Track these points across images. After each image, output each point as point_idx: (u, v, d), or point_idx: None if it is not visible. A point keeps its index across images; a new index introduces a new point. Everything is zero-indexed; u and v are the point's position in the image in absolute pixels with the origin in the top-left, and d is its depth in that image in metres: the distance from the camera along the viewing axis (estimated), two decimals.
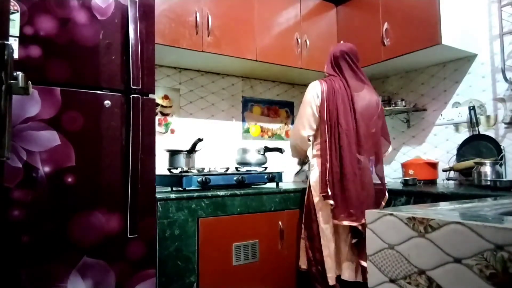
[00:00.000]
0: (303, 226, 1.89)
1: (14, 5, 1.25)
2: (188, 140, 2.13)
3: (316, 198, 1.81)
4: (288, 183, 2.49)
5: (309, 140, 1.90)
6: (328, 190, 1.73)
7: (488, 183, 1.78)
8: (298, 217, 1.99)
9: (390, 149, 2.02)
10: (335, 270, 1.76)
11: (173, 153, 1.99)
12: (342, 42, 2.19)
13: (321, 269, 1.76)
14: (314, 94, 1.86)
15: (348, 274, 1.76)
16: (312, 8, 2.56)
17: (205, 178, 1.83)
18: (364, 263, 1.71)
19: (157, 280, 1.53)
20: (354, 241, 1.75)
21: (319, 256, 1.77)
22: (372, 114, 1.85)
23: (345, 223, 1.70)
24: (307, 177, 2.06)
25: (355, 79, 1.88)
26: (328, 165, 1.76)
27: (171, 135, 2.36)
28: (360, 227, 1.70)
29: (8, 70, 0.69)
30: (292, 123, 2.90)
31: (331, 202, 1.73)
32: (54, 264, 1.27)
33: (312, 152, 1.92)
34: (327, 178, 1.75)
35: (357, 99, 1.82)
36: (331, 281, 1.73)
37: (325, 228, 1.77)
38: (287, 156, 2.82)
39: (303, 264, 1.88)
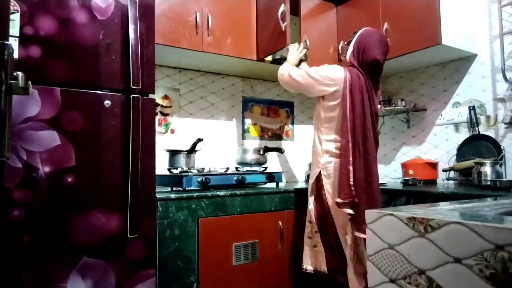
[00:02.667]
0: (317, 231, 1.76)
1: (14, 5, 1.25)
2: (188, 140, 2.13)
3: (331, 201, 1.68)
4: (288, 183, 2.49)
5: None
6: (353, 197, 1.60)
7: (488, 183, 1.78)
8: (298, 217, 1.98)
9: None
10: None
11: (173, 153, 1.99)
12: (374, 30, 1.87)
13: (344, 279, 1.66)
14: (341, 78, 1.69)
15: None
16: (312, 8, 2.55)
17: (205, 178, 1.83)
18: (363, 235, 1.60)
19: (157, 280, 1.53)
20: None
21: (344, 263, 1.66)
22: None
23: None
24: (308, 176, 2.00)
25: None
26: (351, 168, 1.62)
27: (171, 135, 2.36)
28: None
29: (8, 70, 0.69)
30: (292, 123, 2.90)
31: (351, 211, 1.60)
32: (54, 264, 1.27)
33: (324, 147, 1.74)
34: (350, 182, 1.61)
35: (375, 100, 1.74)
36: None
37: (344, 236, 1.67)
38: (287, 156, 2.82)
39: (308, 265, 1.78)
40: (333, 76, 1.71)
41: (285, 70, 1.85)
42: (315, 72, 1.76)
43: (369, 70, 1.73)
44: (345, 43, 1.82)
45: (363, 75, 1.71)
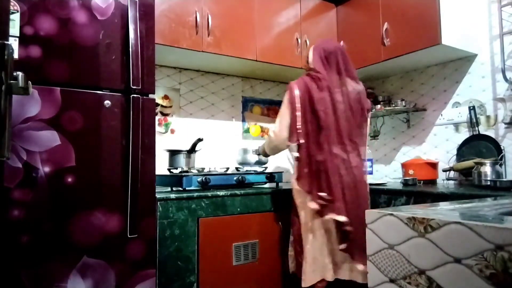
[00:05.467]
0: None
1: (14, 5, 1.25)
2: (188, 140, 2.13)
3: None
4: (288, 183, 2.49)
5: None
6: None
7: (488, 183, 1.78)
8: None
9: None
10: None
11: (173, 153, 1.99)
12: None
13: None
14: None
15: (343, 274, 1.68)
16: (312, 8, 2.56)
17: (205, 178, 1.83)
18: (360, 267, 1.63)
19: (157, 280, 1.53)
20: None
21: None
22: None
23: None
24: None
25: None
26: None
27: (171, 135, 2.36)
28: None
29: (8, 70, 0.69)
30: None
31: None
32: (54, 264, 1.27)
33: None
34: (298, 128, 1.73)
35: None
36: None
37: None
38: (287, 156, 2.82)
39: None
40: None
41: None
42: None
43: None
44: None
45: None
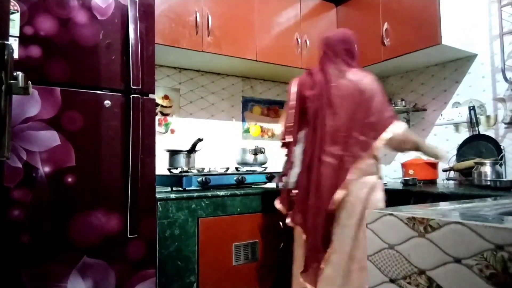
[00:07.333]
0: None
1: (14, 5, 1.25)
2: (188, 140, 2.13)
3: None
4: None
5: None
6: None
7: (488, 183, 1.78)
8: None
9: None
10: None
11: (173, 153, 1.99)
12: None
13: None
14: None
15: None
16: (312, 8, 2.56)
17: (205, 178, 1.83)
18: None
19: (157, 280, 1.53)
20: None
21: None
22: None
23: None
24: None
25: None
26: None
27: (171, 135, 2.36)
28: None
29: (8, 70, 0.69)
30: None
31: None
32: (54, 264, 1.27)
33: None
34: None
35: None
36: None
37: None
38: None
39: None
40: None
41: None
42: None
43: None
44: None
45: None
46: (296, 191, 1.61)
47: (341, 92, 1.55)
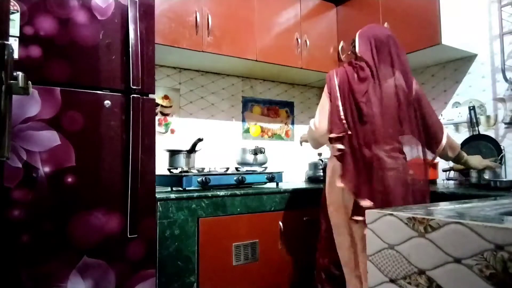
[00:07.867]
0: None
1: (14, 5, 1.25)
2: (188, 140, 2.13)
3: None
4: (288, 183, 2.49)
5: None
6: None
7: (488, 183, 1.78)
8: (298, 217, 1.98)
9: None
10: None
11: (173, 153, 1.99)
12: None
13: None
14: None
15: None
16: (312, 8, 2.56)
17: (205, 178, 1.83)
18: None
19: (157, 280, 1.53)
20: None
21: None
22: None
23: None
24: (309, 176, 1.98)
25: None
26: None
27: (171, 135, 2.36)
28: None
29: (8, 70, 0.69)
30: (292, 123, 2.90)
31: (341, 146, 1.56)
32: (54, 264, 1.27)
33: None
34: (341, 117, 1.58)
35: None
36: None
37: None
38: (287, 156, 2.82)
39: None
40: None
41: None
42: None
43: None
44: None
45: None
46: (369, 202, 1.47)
47: (389, 90, 1.54)
